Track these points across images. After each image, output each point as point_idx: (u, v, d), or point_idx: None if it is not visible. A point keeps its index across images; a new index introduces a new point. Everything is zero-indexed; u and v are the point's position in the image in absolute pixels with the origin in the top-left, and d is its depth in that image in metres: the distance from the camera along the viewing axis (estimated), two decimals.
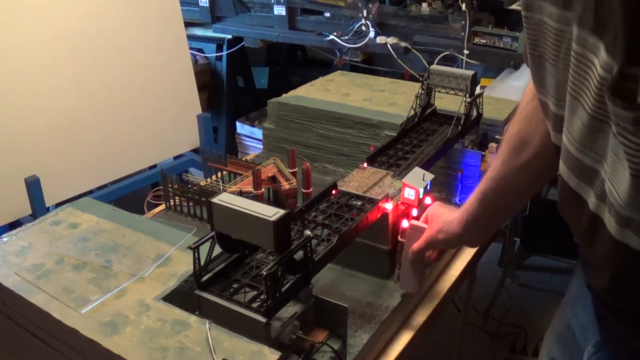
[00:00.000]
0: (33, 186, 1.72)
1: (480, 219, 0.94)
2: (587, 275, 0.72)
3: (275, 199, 1.30)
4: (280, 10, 2.72)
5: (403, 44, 2.44)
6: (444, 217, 1.01)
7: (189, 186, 1.37)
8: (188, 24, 2.78)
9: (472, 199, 0.95)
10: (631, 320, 0.68)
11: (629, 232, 0.56)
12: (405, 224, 1.09)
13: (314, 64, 3.44)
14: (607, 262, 0.62)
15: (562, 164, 0.64)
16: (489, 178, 0.91)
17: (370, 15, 2.49)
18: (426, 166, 1.22)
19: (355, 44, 2.54)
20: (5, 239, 1.09)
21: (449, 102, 1.47)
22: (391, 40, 2.46)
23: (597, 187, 0.59)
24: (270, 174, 1.38)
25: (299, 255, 0.88)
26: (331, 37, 2.59)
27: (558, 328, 0.90)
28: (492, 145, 1.48)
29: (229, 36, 2.93)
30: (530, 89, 0.82)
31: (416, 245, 1.04)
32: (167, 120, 2.17)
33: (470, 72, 1.40)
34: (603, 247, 0.60)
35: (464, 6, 2.27)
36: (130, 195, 2.07)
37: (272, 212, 0.83)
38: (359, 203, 1.09)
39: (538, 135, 0.81)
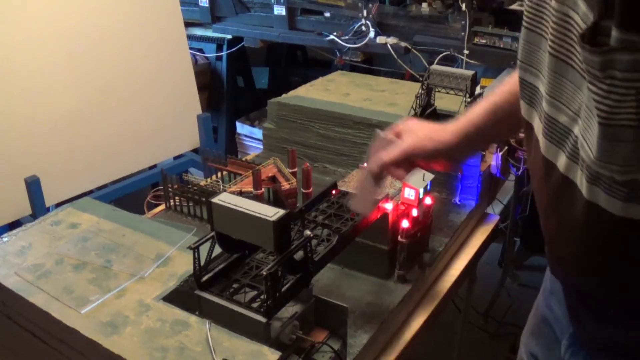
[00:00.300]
0: (33, 186, 1.72)
1: (485, 132, 0.90)
2: (551, 261, 0.72)
3: (275, 199, 1.30)
4: (280, 10, 2.72)
5: (403, 44, 2.44)
6: (428, 127, 0.94)
7: (189, 186, 1.37)
8: (188, 24, 2.78)
9: (477, 111, 0.90)
10: (600, 314, 0.68)
11: (598, 190, 0.57)
12: (405, 224, 1.09)
13: (314, 64, 3.44)
14: (575, 229, 0.62)
15: (536, 125, 0.67)
16: (504, 91, 0.87)
17: (370, 15, 2.49)
18: None
19: (355, 44, 2.54)
20: (5, 239, 1.09)
21: (449, 102, 1.47)
22: (391, 40, 2.46)
23: (569, 146, 0.60)
24: (270, 174, 1.38)
25: (299, 255, 0.88)
26: (331, 37, 2.59)
27: (534, 322, 0.90)
28: (492, 144, 1.48)
29: (229, 36, 2.93)
30: None
31: (389, 154, 0.93)
32: (167, 120, 2.17)
33: (470, 72, 1.40)
34: (572, 212, 0.60)
35: (464, 6, 2.27)
36: (130, 195, 2.07)
37: (272, 212, 0.83)
38: None
39: None
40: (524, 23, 0.65)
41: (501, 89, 0.87)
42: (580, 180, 0.59)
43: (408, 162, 0.95)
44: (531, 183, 0.75)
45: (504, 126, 0.90)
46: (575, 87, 0.57)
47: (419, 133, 0.93)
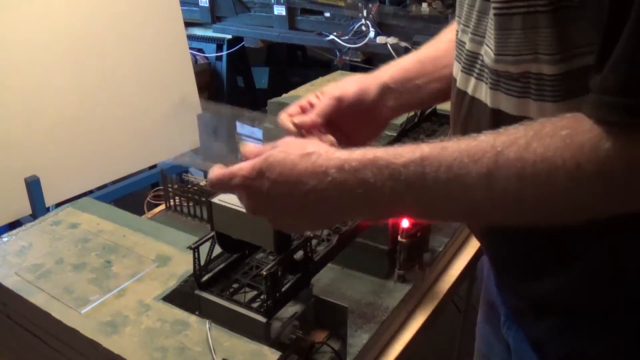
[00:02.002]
0: (33, 186, 1.72)
1: (412, 78, 0.81)
2: None
3: None
4: (280, 10, 2.72)
5: (403, 44, 2.44)
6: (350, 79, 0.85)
7: (189, 186, 1.37)
8: (188, 24, 2.78)
9: (406, 58, 0.84)
10: (512, 270, 0.71)
11: (499, 94, 0.60)
12: (405, 224, 1.09)
13: (314, 64, 3.44)
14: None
15: (455, 67, 0.68)
16: (432, 45, 0.83)
17: (370, 15, 2.49)
18: None
19: (355, 44, 2.54)
20: (5, 239, 1.09)
21: (449, 102, 1.47)
22: (391, 40, 2.46)
23: (477, 69, 0.64)
24: None
25: (299, 255, 0.88)
26: (331, 37, 2.59)
27: (484, 309, 0.91)
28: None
29: (229, 36, 2.93)
30: None
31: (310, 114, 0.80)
32: (167, 120, 2.17)
33: None
34: (480, 129, 0.61)
35: None
36: (130, 195, 2.07)
37: None
38: None
39: None
40: None
41: (431, 43, 0.85)
42: (485, 93, 0.62)
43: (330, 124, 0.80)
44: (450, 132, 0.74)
45: (432, 79, 0.84)
46: (482, 14, 0.61)
47: (340, 82, 0.84)
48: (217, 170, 0.68)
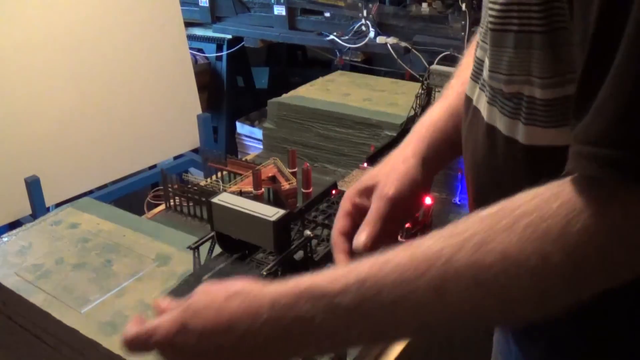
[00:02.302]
0: (33, 186, 1.72)
1: (451, 134, 0.71)
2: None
3: (275, 199, 1.30)
4: (280, 10, 2.72)
5: (403, 44, 2.44)
6: (386, 171, 0.71)
7: (189, 186, 1.37)
8: (188, 24, 2.77)
9: (435, 114, 0.74)
10: None
11: (495, 110, 0.57)
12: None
13: (314, 64, 3.43)
14: (479, 158, 0.61)
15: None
16: (458, 91, 0.72)
17: (370, 15, 2.49)
18: None
19: (355, 44, 2.54)
20: (5, 239, 1.09)
21: None
22: (391, 40, 2.46)
23: (481, 78, 0.61)
24: (270, 174, 1.38)
25: (299, 255, 0.88)
26: (331, 37, 2.59)
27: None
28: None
29: (229, 36, 2.93)
30: None
31: (368, 229, 0.67)
32: (167, 120, 2.17)
33: None
34: (477, 139, 0.59)
35: (464, 6, 2.27)
36: (130, 195, 2.07)
37: (272, 212, 0.83)
38: None
39: None
40: None
41: (457, 90, 0.74)
42: (484, 105, 0.60)
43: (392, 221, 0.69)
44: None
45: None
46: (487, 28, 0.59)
47: (382, 186, 0.70)
48: (132, 329, 0.57)
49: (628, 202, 0.41)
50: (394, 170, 0.71)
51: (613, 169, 0.41)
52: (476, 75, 0.64)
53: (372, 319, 0.48)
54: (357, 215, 0.71)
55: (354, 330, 0.49)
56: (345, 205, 0.72)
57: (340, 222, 0.72)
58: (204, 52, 3.00)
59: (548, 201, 0.44)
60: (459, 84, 0.75)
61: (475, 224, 0.46)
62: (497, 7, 0.52)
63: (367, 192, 0.71)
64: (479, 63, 0.63)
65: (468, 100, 0.65)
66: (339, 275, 0.49)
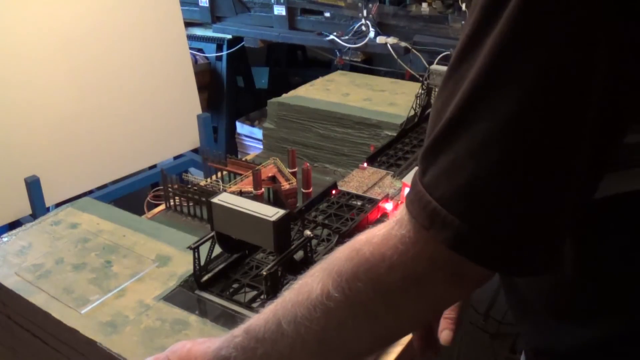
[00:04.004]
0: (33, 186, 1.72)
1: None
2: None
3: (275, 199, 1.30)
4: (280, 10, 2.72)
5: (403, 44, 2.44)
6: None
7: (189, 186, 1.37)
8: (188, 24, 2.77)
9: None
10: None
11: None
12: None
13: (314, 64, 3.43)
14: None
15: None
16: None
17: (370, 15, 2.49)
18: None
19: (355, 44, 2.54)
20: (5, 239, 1.09)
21: None
22: (391, 40, 2.46)
23: None
24: (270, 174, 1.38)
25: (299, 255, 0.88)
26: (331, 37, 2.59)
27: None
28: None
29: (229, 36, 2.93)
30: None
31: None
32: (167, 120, 2.17)
33: None
34: None
35: (464, 6, 2.27)
36: (130, 195, 2.07)
37: (272, 212, 0.83)
38: (359, 203, 1.09)
39: None
40: None
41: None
42: None
43: None
44: None
45: None
46: None
47: None
48: None
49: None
50: None
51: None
52: None
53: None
54: None
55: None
56: None
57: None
58: (204, 52, 3.00)
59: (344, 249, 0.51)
60: None
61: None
62: None
63: None
64: None
65: None
66: (237, 330, 0.58)
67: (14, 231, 1.12)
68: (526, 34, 0.39)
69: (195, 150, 2.28)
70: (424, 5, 2.44)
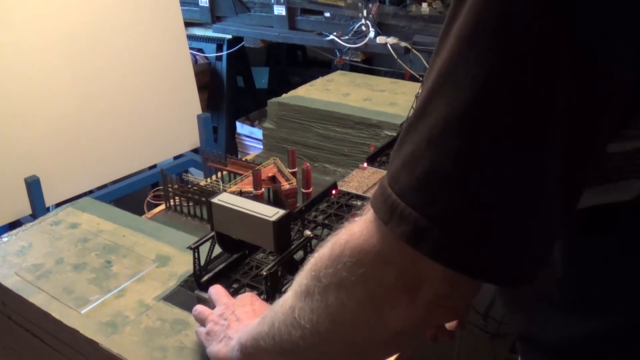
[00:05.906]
0: (33, 186, 1.72)
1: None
2: None
3: (275, 199, 1.30)
4: (280, 10, 2.72)
5: (403, 44, 2.44)
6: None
7: (189, 186, 1.37)
8: (188, 24, 2.78)
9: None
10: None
11: None
12: None
13: (314, 64, 3.43)
14: None
15: None
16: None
17: (370, 15, 2.49)
18: None
19: (355, 44, 2.54)
20: (5, 239, 1.09)
21: None
22: (391, 40, 2.46)
23: None
24: (270, 174, 1.38)
25: (299, 255, 0.88)
26: (331, 37, 2.59)
27: None
28: None
29: (229, 36, 2.93)
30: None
31: None
32: (167, 120, 2.17)
33: None
34: None
35: None
36: (130, 195, 2.07)
37: (272, 212, 0.83)
38: (359, 203, 1.09)
39: None
40: None
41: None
42: None
43: None
44: None
45: None
46: None
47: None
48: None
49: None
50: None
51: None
52: None
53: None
54: None
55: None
56: None
57: None
58: (204, 52, 3.00)
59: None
60: None
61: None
62: None
63: None
64: None
65: None
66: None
67: (14, 231, 1.12)
68: (485, 21, 0.37)
69: (195, 150, 2.28)
70: (424, 5, 2.44)
